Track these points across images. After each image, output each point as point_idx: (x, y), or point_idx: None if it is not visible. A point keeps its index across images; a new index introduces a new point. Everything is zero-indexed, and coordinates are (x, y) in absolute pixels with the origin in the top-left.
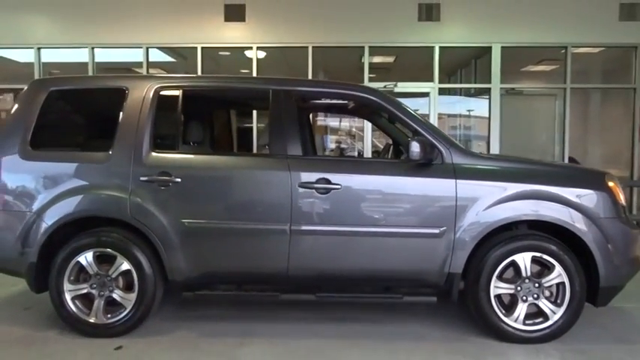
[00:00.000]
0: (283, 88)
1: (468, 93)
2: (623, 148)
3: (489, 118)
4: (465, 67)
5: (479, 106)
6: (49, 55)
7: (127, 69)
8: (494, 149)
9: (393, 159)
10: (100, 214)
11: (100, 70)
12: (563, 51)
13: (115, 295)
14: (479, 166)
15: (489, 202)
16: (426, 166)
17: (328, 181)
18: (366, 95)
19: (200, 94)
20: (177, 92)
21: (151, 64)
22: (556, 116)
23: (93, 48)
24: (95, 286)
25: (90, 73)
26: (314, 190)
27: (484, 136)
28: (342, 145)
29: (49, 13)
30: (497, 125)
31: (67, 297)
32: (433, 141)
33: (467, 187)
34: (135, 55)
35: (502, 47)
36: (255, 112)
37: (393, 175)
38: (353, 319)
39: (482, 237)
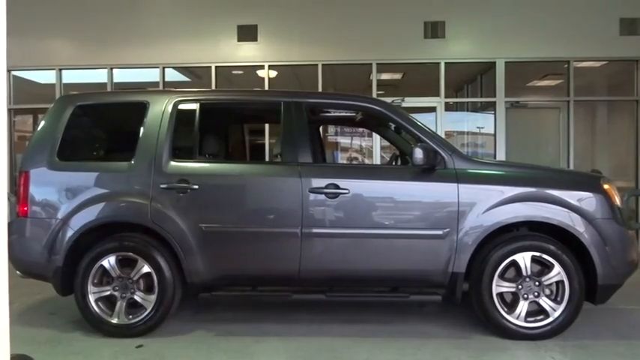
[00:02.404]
0: (294, 99)
1: (474, 108)
2: (628, 158)
3: (495, 131)
4: (471, 83)
5: (485, 120)
6: (70, 76)
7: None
8: (501, 158)
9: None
10: (123, 220)
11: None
12: (566, 65)
13: (136, 297)
14: (480, 171)
15: (489, 205)
16: (429, 172)
17: (337, 187)
18: (371, 105)
19: (216, 106)
20: (195, 105)
21: (167, 84)
22: (560, 128)
23: (112, 68)
24: (117, 288)
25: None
26: (323, 195)
27: (490, 149)
28: (353, 162)
29: (70, 36)
30: (503, 138)
31: (91, 299)
32: (436, 147)
33: (468, 191)
34: (152, 75)
35: (506, 62)
36: (267, 124)
37: (399, 180)
38: (362, 320)
39: (483, 238)
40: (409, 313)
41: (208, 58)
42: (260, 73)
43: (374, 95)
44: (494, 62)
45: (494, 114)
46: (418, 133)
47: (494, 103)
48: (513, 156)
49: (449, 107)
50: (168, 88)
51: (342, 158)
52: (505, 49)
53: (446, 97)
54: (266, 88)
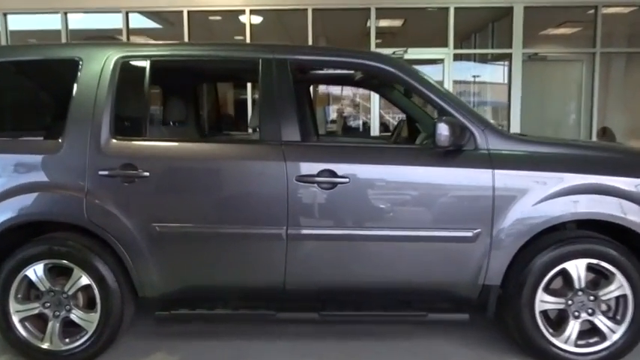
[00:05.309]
0: (276, 56)
1: (484, 59)
2: None
3: (509, 86)
4: (479, 32)
5: (494, 73)
6: (18, 23)
7: (108, 37)
8: (516, 121)
9: (409, 140)
10: (50, 218)
11: (75, 38)
12: (592, 11)
13: (72, 316)
14: (522, 153)
15: (538, 197)
16: (455, 154)
17: (333, 174)
18: (377, 64)
19: (172, 65)
20: (144, 63)
21: (132, 31)
22: (583, 84)
23: (66, 13)
24: (49, 305)
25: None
26: (316, 185)
27: (504, 107)
28: (345, 114)
29: None
30: (519, 95)
31: (15, 319)
32: (464, 121)
33: (507, 179)
34: (114, 22)
35: (525, 7)
36: (242, 89)
37: (414, 165)
38: (360, 334)
39: (526, 240)
40: (420, 327)
41: (180, 2)
42: (241, 18)
43: (372, 45)
44: (512, 7)
45: (510, 67)
46: (440, 102)
47: (510, 55)
48: (530, 114)
49: (457, 59)
50: (134, 36)
51: (333, 111)
52: None
53: (454, 47)
54: (247, 36)
